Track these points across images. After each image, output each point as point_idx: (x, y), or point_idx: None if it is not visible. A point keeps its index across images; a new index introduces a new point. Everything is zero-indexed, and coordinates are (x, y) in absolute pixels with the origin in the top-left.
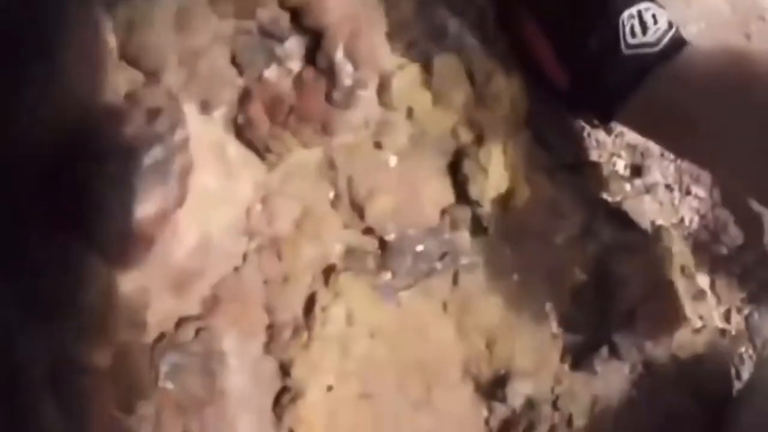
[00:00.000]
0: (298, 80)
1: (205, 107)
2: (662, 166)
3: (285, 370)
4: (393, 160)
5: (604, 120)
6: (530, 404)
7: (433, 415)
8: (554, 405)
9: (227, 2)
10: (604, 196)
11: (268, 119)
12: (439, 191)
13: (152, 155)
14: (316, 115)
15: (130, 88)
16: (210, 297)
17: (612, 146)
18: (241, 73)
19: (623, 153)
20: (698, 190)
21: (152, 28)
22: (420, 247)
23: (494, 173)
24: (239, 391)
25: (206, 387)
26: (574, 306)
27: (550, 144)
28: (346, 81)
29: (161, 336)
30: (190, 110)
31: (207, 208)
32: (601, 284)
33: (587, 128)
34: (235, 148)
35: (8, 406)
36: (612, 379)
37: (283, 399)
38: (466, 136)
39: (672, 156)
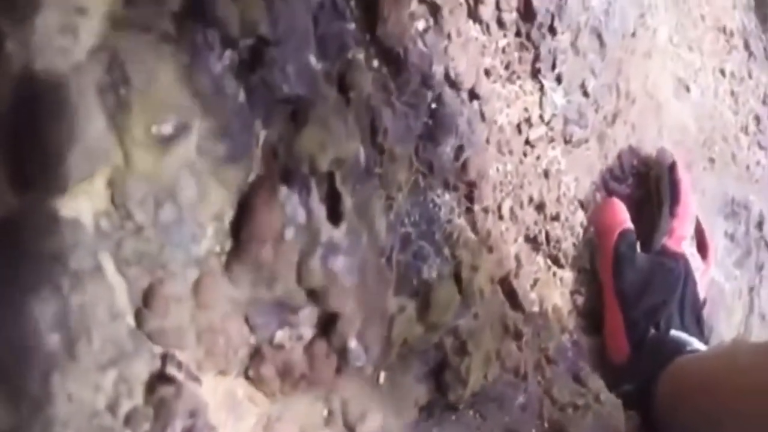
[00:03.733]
0: (310, 350)
1: (222, 374)
2: None
3: None
4: (382, 377)
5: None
6: None
7: None
8: None
9: (244, 273)
10: (561, 348)
11: (279, 380)
12: (420, 395)
13: None
14: (326, 382)
15: (151, 371)
16: None
17: (573, 284)
18: (253, 332)
19: (583, 289)
20: None
21: (171, 301)
22: None
23: (473, 379)
24: None
25: None
26: None
27: (521, 306)
28: (357, 363)
29: None
30: (207, 378)
31: None
32: None
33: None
34: (243, 390)
35: None
36: None
37: None
38: (450, 346)
39: None
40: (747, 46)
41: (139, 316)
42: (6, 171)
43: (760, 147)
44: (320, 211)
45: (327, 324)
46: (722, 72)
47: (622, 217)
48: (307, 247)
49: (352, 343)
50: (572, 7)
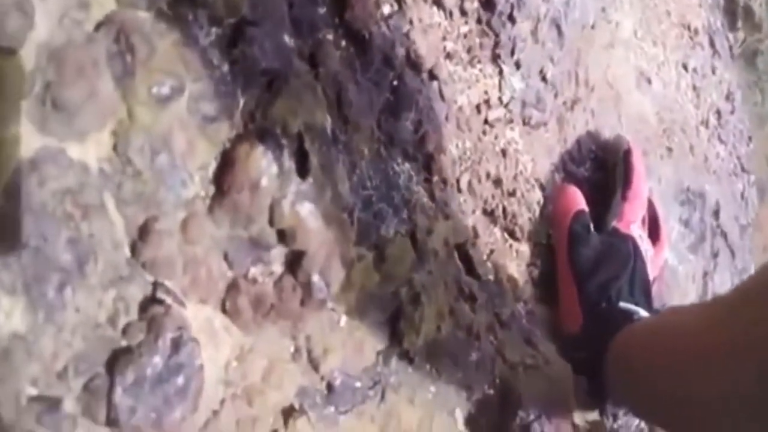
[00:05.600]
0: (279, 284)
1: (203, 302)
2: None
3: None
4: (343, 320)
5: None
6: None
7: None
8: None
9: (224, 215)
10: (515, 314)
11: (252, 310)
12: (378, 340)
13: (176, 383)
14: (293, 314)
15: (144, 294)
16: None
17: (529, 257)
18: (231, 267)
19: (539, 262)
20: None
21: (163, 235)
22: (358, 384)
23: (425, 328)
24: None
25: None
26: (479, 413)
27: (476, 273)
28: (320, 295)
29: None
30: (189, 305)
31: None
32: (504, 399)
33: (508, 239)
34: (220, 321)
35: None
36: None
37: None
38: (405, 295)
39: None
40: (712, 43)
41: (134, 248)
42: (34, 122)
43: (720, 141)
44: (290, 165)
45: (294, 262)
46: (685, 67)
47: (578, 200)
48: (279, 194)
49: (315, 278)
50: None
